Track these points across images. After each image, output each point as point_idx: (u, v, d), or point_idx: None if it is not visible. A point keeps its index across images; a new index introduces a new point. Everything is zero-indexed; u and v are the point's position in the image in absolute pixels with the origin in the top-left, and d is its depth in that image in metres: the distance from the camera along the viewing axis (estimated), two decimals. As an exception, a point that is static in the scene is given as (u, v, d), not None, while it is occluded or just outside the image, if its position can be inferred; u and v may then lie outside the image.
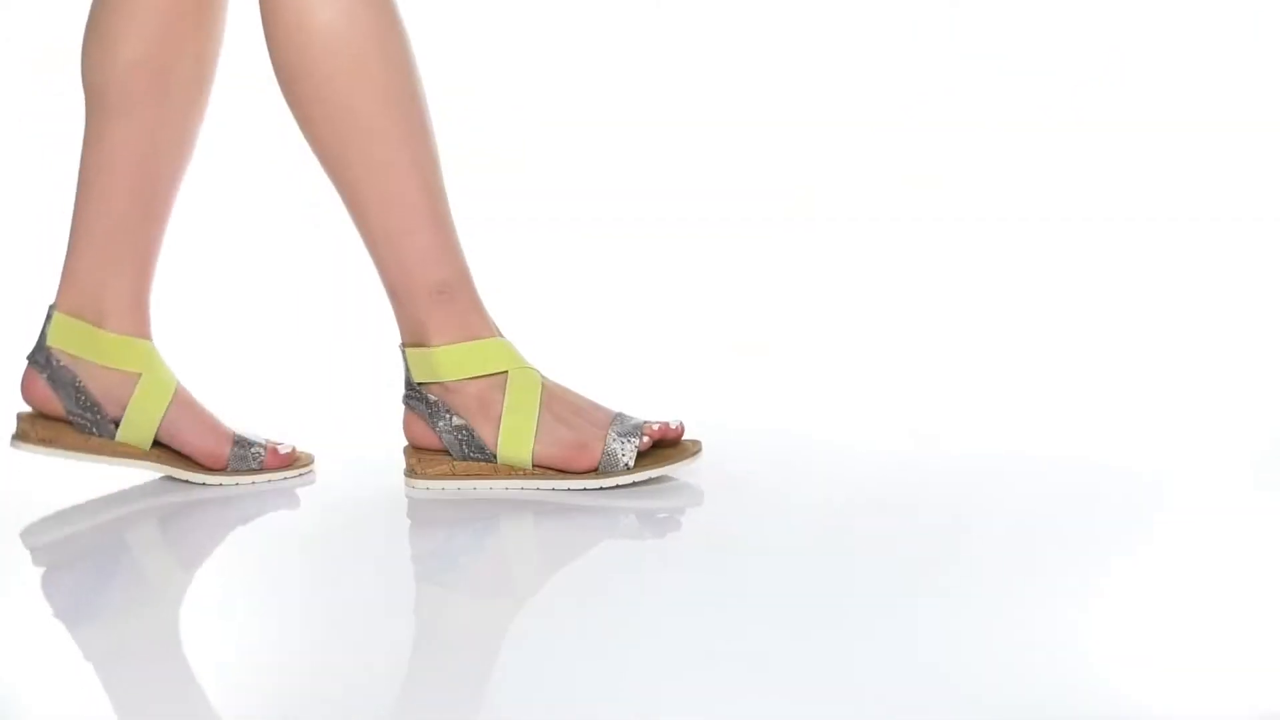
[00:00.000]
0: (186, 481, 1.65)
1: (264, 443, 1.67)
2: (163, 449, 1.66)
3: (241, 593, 1.40)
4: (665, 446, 1.62)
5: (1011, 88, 2.89)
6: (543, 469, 1.60)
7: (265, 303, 2.55)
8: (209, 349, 2.23)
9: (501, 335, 1.61)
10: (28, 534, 1.57)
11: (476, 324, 1.60)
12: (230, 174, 2.80)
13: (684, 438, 1.63)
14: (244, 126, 2.85)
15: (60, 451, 1.64)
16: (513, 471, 1.61)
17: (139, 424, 1.64)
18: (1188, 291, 2.45)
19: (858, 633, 1.25)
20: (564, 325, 2.30)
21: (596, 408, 1.62)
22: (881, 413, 1.89)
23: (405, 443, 1.64)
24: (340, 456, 1.74)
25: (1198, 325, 2.30)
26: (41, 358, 1.64)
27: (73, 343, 1.64)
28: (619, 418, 1.61)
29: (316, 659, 1.23)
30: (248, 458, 1.65)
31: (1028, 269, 2.59)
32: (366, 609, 1.34)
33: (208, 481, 1.65)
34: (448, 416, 1.60)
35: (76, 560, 1.50)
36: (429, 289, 1.58)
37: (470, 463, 1.61)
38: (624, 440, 1.59)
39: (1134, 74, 2.88)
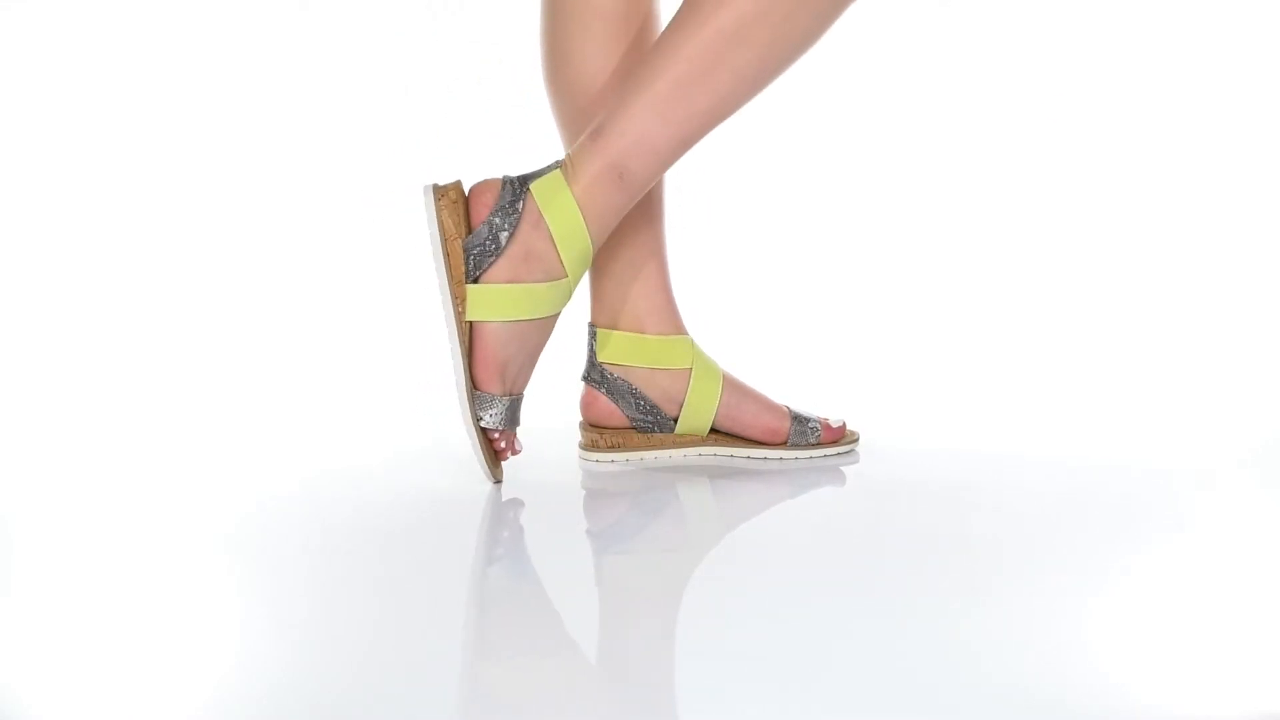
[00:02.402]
0: (747, 458, 1.71)
1: (818, 418, 1.72)
2: (718, 433, 1.72)
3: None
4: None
5: (1011, 86, 2.89)
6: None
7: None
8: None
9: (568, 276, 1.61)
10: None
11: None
12: (256, 176, 2.80)
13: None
14: (256, 131, 2.85)
15: (628, 453, 1.71)
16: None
17: (698, 416, 1.70)
18: (1188, 291, 2.45)
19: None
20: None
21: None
22: (882, 412, 1.89)
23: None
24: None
25: (1198, 325, 2.30)
26: (596, 374, 1.70)
27: (621, 354, 1.69)
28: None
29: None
30: (806, 432, 1.71)
31: (1028, 269, 2.59)
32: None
33: (768, 456, 1.71)
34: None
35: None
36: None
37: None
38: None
39: (1134, 74, 2.88)
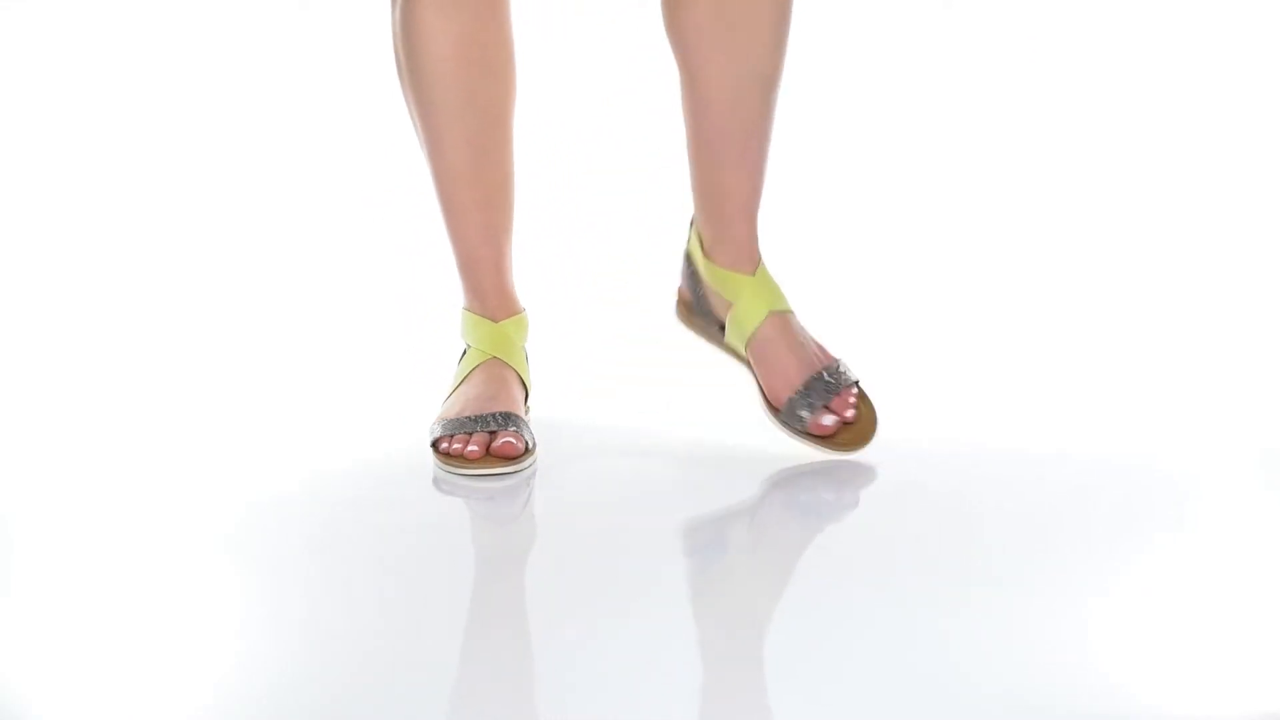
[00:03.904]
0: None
1: (811, 419, 1.70)
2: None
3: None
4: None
5: (1015, 87, 2.89)
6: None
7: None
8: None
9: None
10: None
11: None
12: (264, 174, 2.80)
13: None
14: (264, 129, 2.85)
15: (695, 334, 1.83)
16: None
17: (733, 341, 1.77)
18: (1190, 292, 2.45)
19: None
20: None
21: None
22: (883, 412, 1.89)
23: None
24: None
25: (1201, 326, 2.30)
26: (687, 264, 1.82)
27: (698, 261, 1.80)
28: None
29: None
30: (796, 418, 1.70)
31: (1030, 269, 2.59)
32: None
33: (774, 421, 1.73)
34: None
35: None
36: None
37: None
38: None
39: (1138, 73, 2.89)
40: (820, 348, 1.74)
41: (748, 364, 1.76)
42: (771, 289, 1.76)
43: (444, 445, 1.67)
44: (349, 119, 2.84)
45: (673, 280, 1.88)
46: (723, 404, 1.85)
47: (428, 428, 1.73)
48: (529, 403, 1.81)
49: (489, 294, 1.79)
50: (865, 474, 1.68)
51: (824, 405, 1.70)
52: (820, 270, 2.64)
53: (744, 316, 1.74)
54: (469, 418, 1.68)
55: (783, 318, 1.74)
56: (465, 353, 1.80)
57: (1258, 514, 1.56)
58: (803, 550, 1.50)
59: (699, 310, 1.81)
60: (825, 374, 1.71)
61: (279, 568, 1.44)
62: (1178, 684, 1.17)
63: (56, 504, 1.64)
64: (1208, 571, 1.39)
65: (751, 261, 1.75)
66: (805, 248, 2.72)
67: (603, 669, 1.20)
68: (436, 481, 1.66)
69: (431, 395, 1.82)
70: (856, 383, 1.72)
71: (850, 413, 1.70)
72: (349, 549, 1.48)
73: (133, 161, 2.78)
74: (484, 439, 1.66)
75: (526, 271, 1.85)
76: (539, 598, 1.38)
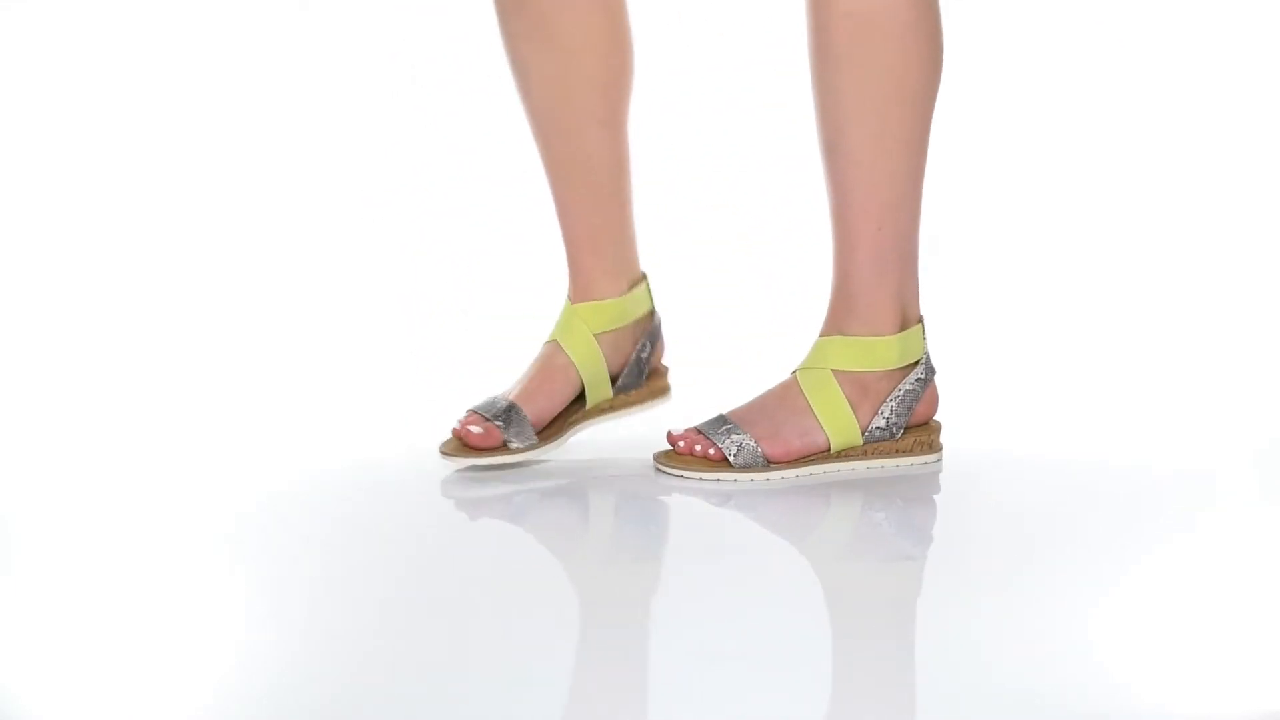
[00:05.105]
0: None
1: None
2: None
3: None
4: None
5: (1012, 90, 2.90)
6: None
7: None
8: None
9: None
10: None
11: None
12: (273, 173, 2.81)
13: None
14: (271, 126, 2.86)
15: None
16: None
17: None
18: (1189, 292, 2.45)
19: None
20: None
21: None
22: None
23: None
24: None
25: (1199, 325, 2.30)
26: None
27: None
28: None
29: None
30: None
31: (1028, 270, 2.59)
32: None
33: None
34: None
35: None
36: None
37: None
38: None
39: (1135, 74, 2.89)
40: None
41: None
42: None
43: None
44: (349, 119, 2.84)
45: (675, 278, 1.85)
46: (725, 404, 1.84)
47: (435, 426, 1.72)
48: (595, 401, 1.75)
49: (572, 273, 1.77)
50: (867, 476, 1.68)
51: (696, 430, 1.66)
52: (821, 274, 2.64)
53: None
54: (487, 401, 1.68)
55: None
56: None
57: (1255, 514, 1.56)
58: (805, 550, 1.50)
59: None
60: (722, 419, 1.66)
61: (279, 568, 1.44)
62: (1178, 684, 1.17)
63: (57, 503, 1.64)
64: (1207, 571, 1.39)
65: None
66: (804, 253, 2.72)
67: (603, 669, 1.20)
68: (437, 481, 1.66)
69: (432, 395, 1.82)
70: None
71: (681, 444, 1.65)
72: (349, 549, 1.48)
73: (135, 161, 2.78)
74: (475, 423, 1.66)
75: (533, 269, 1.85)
76: (539, 598, 1.38)
